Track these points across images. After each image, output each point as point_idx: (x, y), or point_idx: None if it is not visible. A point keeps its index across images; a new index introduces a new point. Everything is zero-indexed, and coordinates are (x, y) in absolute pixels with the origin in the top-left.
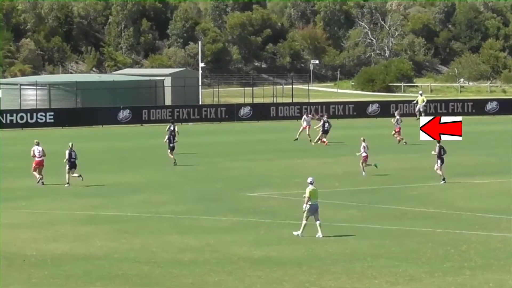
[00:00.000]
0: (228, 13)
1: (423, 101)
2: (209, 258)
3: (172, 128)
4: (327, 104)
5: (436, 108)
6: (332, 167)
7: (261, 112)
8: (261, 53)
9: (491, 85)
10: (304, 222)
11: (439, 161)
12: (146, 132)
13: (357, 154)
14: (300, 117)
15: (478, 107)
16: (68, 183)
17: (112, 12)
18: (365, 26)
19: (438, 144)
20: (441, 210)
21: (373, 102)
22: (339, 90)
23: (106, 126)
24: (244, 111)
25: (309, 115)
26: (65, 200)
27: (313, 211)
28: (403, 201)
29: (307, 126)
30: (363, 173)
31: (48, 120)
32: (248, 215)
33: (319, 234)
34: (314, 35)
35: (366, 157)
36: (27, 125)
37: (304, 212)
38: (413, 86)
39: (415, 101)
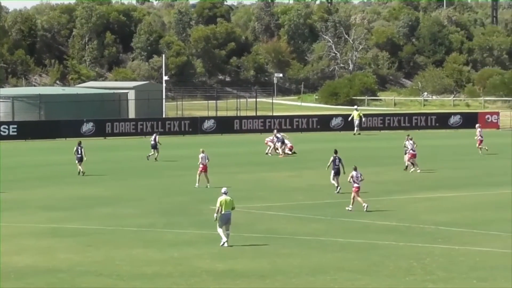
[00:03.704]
0: (192, 26)
1: (359, 116)
2: (173, 271)
3: (154, 137)
4: (291, 118)
5: (399, 121)
6: (296, 181)
7: (224, 125)
8: (225, 67)
9: (454, 99)
10: (219, 230)
11: (333, 172)
12: (109, 145)
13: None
14: (263, 131)
15: (441, 121)
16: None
17: (76, 25)
18: (329, 39)
19: (334, 155)
20: (405, 223)
21: (336, 116)
22: (303, 104)
23: (70, 138)
24: (207, 124)
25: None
26: (30, 213)
27: (225, 220)
28: (366, 214)
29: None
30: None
31: (11, 133)
32: (211, 228)
33: (226, 243)
34: (278, 48)
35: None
36: None
37: (215, 221)
38: (377, 99)
39: (351, 117)
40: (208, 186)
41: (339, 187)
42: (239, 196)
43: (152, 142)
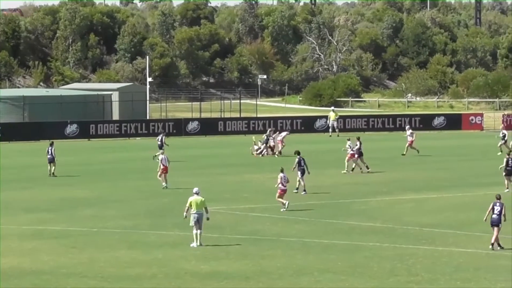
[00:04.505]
0: (176, 28)
1: (336, 116)
2: (157, 272)
3: (160, 138)
4: (275, 119)
5: (383, 123)
6: None
7: (208, 126)
8: (209, 68)
9: (438, 100)
10: (194, 232)
11: (299, 173)
12: (93, 146)
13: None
14: (248, 132)
15: (425, 122)
16: None
17: (59, 27)
18: (313, 41)
19: (298, 156)
20: (389, 224)
21: (320, 117)
22: (287, 105)
23: (54, 140)
24: (191, 126)
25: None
26: (14, 214)
27: (195, 220)
28: (351, 215)
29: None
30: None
31: None
32: None
33: (195, 244)
34: (262, 50)
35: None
36: None
37: (184, 218)
38: (361, 101)
39: (328, 119)
40: (167, 187)
41: (304, 190)
42: (223, 198)
43: (159, 143)
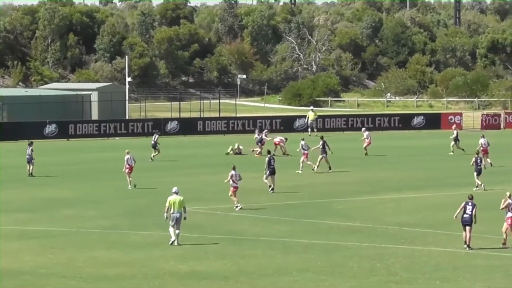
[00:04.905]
0: (155, 27)
1: (315, 116)
2: (136, 272)
3: (154, 137)
4: (254, 119)
5: (363, 122)
6: (259, 182)
7: (188, 126)
8: (189, 68)
9: (417, 99)
10: (170, 229)
11: (268, 172)
12: (72, 146)
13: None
14: (227, 132)
15: (404, 122)
16: None
17: (38, 27)
18: (293, 41)
19: (268, 156)
20: (368, 224)
21: (300, 117)
22: (266, 105)
23: (33, 140)
24: (171, 125)
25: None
26: None
27: (174, 220)
28: (330, 215)
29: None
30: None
31: None
32: None
33: (173, 238)
34: (241, 49)
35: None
36: None
37: (165, 220)
38: (340, 101)
39: (306, 118)
40: (136, 186)
41: (272, 187)
42: (203, 198)
43: (152, 142)
